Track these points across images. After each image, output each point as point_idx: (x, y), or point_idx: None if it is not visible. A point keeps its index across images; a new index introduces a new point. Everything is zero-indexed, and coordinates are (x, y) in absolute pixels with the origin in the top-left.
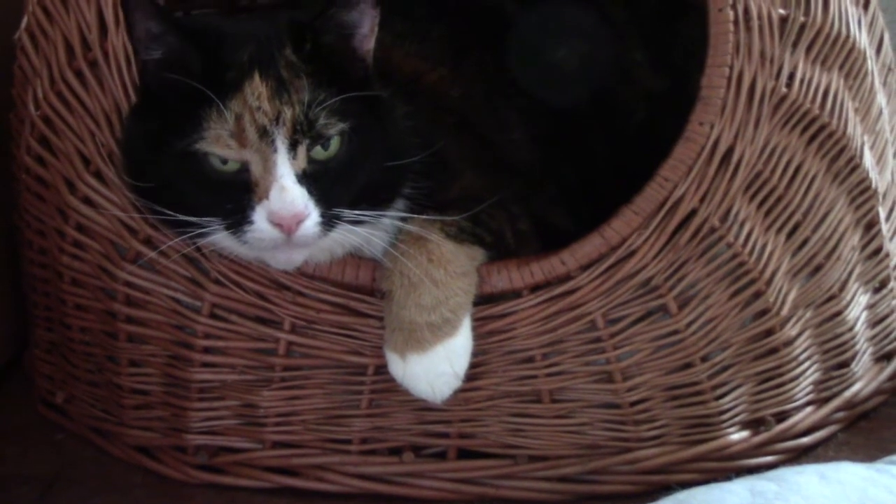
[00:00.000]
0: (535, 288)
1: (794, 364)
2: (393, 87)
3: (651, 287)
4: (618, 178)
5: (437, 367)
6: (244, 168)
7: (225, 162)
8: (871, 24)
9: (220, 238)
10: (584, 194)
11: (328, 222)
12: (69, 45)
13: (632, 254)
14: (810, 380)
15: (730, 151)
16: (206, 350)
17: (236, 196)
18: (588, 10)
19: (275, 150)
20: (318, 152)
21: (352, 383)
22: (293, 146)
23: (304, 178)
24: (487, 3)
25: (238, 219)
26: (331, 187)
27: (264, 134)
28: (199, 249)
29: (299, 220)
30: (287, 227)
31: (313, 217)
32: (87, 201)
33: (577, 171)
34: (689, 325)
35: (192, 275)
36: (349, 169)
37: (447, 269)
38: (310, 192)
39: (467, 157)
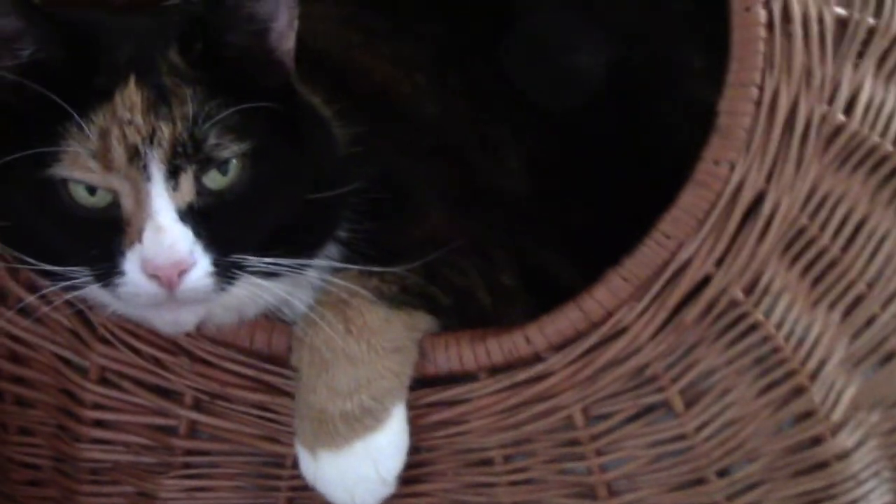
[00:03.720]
0: (493, 370)
1: (851, 484)
2: (349, 100)
3: (647, 377)
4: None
5: (355, 470)
6: (115, 202)
7: (92, 193)
8: None
9: (94, 292)
10: (598, 240)
11: (224, 273)
12: None
13: (620, 333)
14: None
15: (759, 200)
16: (96, 423)
17: (104, 239)
18: None
19: (148, 179)
20: (214, 180)
21: (267, 476)
22: (173, 173)
23: (190, 215)
24: None
25: (107, 268)
26: (228, 227)
27: (135, 156)
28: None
29: (181, 269)
30: (166, 278)
31: (202, 266)
32: None
33: (590, 210)
34: (700, 428)
35: (77, 329)
36: (254, 203)
37: (370, 343)
38: (197, 233)
39: (439, 192)
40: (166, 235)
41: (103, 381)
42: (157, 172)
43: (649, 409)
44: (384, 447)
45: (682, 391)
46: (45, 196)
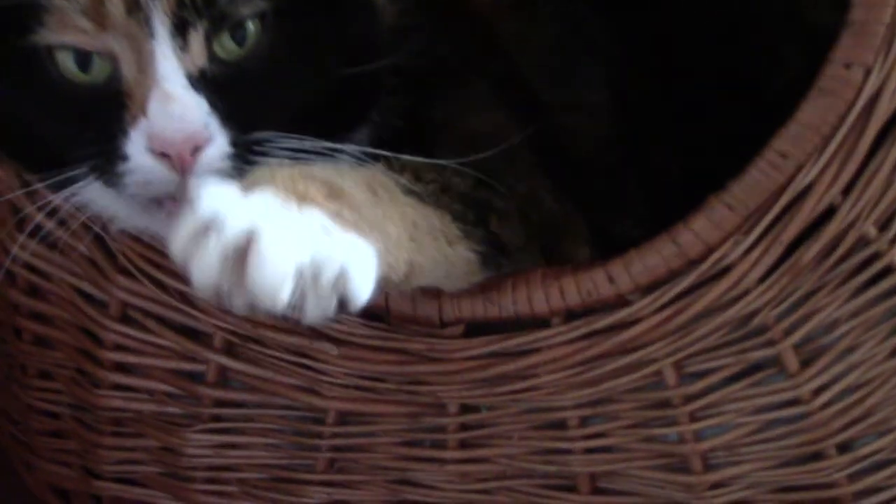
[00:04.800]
0: (569, 316)
1: None
2: None
3: (755, 328)
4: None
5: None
6: (114, 73)
7: (85, 65)
8: None
9: (96, 193)
10: (679, 191)
11: (245, 155)
12: None
13: (723, 273)
14: None
15: None
16: (117, 366)
17: (104, 119)
18: None
19: (151, 35)
20: (227, 46)
21: (306, 434)
22: (181, 30)
23: (203, 83)
24: None
25: (108, 155)
26: (248, 100)
27: (135, 8)
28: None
29: (195, 145)
30: (178, 157)
31: (218, 144)
32: None
33: (676, 158)
34: (818, 391)
35: (96, 258)
36: (278, 74)
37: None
38: (213, 105)
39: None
40: (176, 104)
41: (125, 319)
42: (162, 28)
43: (756, 367)
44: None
45: (797, 346)
46: (29, 74)
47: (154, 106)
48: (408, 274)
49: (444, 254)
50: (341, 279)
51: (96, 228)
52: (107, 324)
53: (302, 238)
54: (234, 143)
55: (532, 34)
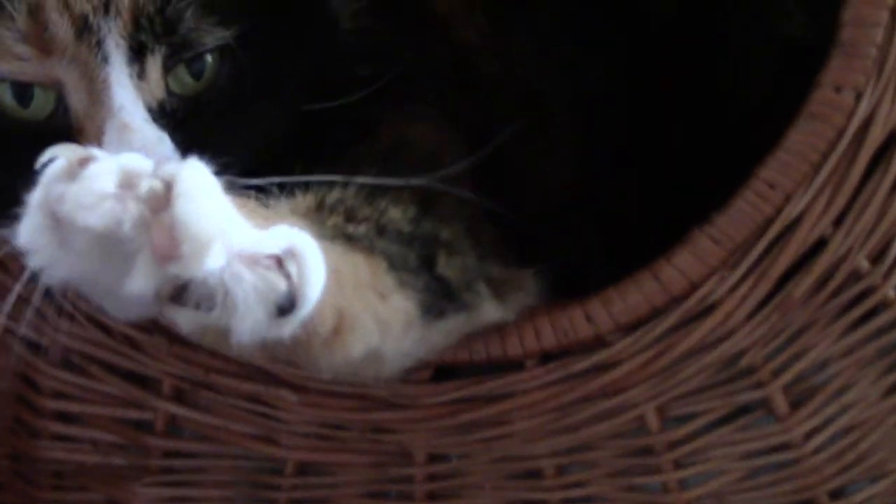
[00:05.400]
0: (545, 358)
1: None
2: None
3: (742, 369)
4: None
5: None
6: (59, 106)
7: (24, 100)
8: None
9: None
10: (639, 220)
11: None
12: None
13: (708, 310)
14: None
15: (893, 138)
16: (58, 415)
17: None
18: None
19: (105, 61)
20: (183, 79)
21: (263, 486)
22: (138, 55)
23: (163, 116)
24: None
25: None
26: (207, 136)
27: (85, 30)
28: None
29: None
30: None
31: None
32: None
33: (639, 193)
34: (809, 435)
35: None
36: (238, 107)
37: None
38: (174, 140)
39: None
40: (136, 136)
41: (66, 365)
42: (117, 52)
43: (744, 410)
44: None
45: (787, 387)
46: None
47: (110, 139)
48: (338, 327)
49: (374, 310)
50: (289, 258)
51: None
52: (46, 369)
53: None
54: None
55: (505, 60)
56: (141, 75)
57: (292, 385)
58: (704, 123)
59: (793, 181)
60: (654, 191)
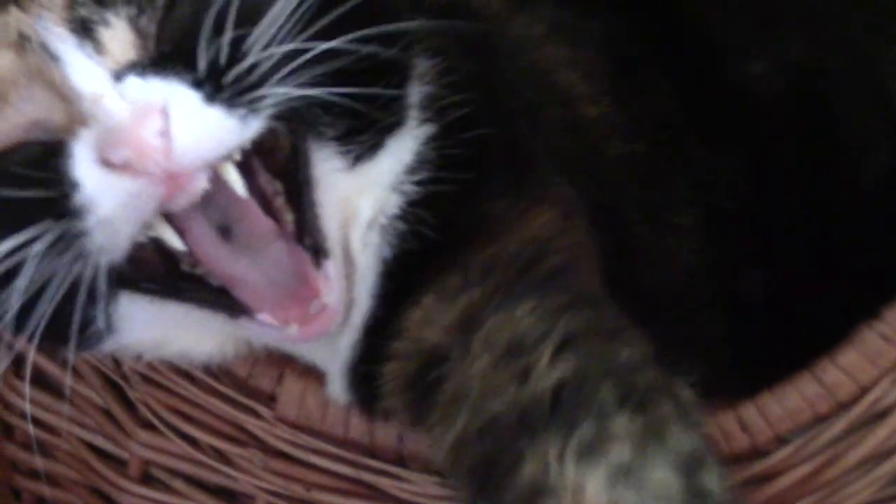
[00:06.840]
0: None
1: None
2: None
3: None
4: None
5: None
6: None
7: None
8: None
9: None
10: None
11: (234, 102)
12: None
13: (880, 417)
14: None
15: None
16: None
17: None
18: None
19: (55, 59)
20: None
21: None
22: (84, 30)
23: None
24: None
25: (57, 211)
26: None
27: (22, 46)
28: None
29: (156, 123)
30: (137, 148)
31: (188, 98)
32: None
33: (765, 278)
34: None
35: (111, 407)
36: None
37: None
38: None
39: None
40: (110, 98)
41: (146, 479)
42: (63, 46)
43: None
44: None
45: None
46: None
47: (89, 114)
48: None
49: None
50: None
51: (109, 372)
52: (124, 485)
53: None
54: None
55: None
56: (95, 48)
57: (402, 500)
58: (832, 197)
59: None
60: (777, 277)
